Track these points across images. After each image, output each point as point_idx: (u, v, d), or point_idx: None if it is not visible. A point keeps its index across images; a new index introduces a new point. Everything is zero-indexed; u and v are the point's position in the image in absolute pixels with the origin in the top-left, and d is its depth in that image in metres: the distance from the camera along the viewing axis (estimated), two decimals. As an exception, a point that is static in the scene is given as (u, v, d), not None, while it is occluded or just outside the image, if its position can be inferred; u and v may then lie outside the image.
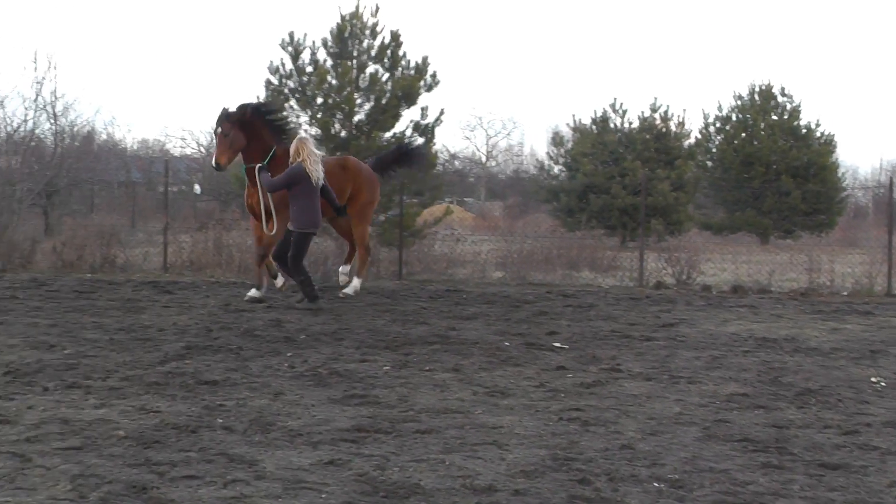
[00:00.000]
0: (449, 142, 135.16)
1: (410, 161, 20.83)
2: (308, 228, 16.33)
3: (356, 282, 18.23)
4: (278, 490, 6.24)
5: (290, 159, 16.36)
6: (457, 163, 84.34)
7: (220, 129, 16.74)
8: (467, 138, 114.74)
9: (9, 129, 29.69)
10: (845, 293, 20.34)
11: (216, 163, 16.86)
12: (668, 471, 6.90)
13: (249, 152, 16.89)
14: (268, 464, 6.82)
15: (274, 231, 16.89)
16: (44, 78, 29.05)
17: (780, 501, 6.28)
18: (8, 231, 24.80)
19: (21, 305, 15.47)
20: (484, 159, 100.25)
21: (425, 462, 6.99)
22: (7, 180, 26.41)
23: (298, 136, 16.98)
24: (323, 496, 6.16)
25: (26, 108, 28.62)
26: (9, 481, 6.28)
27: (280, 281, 17.46)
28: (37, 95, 29.92)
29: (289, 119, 17.72)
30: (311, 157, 16.21)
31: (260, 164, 16.77)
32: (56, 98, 32.54)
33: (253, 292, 17.15)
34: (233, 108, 16.85)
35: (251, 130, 16.83)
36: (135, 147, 71.01)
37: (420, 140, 19.52)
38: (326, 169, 16.75)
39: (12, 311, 14.67)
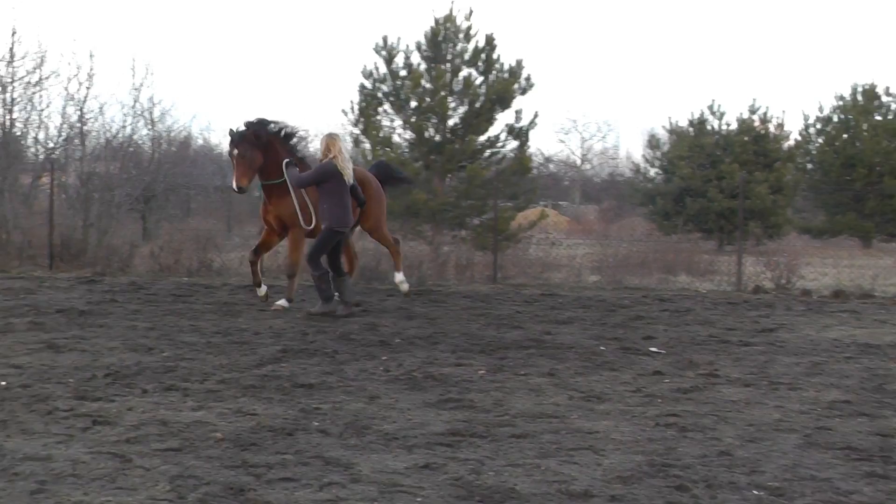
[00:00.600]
0: (543, 145, 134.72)
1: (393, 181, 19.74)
2: (338, 226, 15.90)
3: (399, 276, 18.22)
4: (374, 493, 6.27)
5: (321, 156, 16.21)
6: (551, 166, 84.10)
7: (236, 151, 16.31)
8: (562, 141, 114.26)
9: (108, 135, 30.07)
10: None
11: (238, 186, 16.38)
12: (767, 478, 6.83)
13: (266, 168, 16.58)
14: (363, 467, 6.85)
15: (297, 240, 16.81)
16: (141, 84, 29.37)
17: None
18: (107, 236, 25.14)
19: (120, 309, 15.65)
20: (579, 162, 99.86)
21: (521, 467, 6.98)
22: (106, 185, 26.74)
23: (328, 133, 16.63)
24: (418, 500, 6.18)
25: (124, 115, 28.93)
26: (110, 481, 6.37)
27: (263, 290, 17.27)
28: (135, 102, 30.21)
29: (295, 128, 17.36)
30: (341, 153, 16.00)
31: (287, 160, 16.50)
32: (153, 104, 32.92)
33: (258, 291, 17.23)
34: (242, 128, 16.62)
35: (266, 147, 16.57)
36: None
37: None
38: None
39: (112, 315, 14.86)
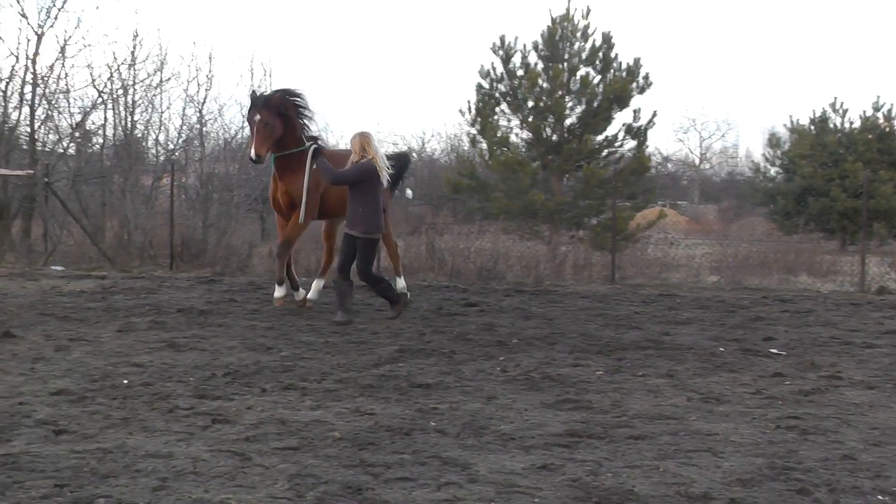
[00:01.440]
0: (662, 144, 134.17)
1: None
2: (374, 234, 15.24)
3: (400, 282, 17.24)
4: (491, 493, 6.27)
5: (354, 156, 15.15)
6: (670, 165, 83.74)
7: (258, 118, 15.59)
8: (680, 140, 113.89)
9: (227, 136, 30.45)
10: None
11: (256, 154, 15.65)
12: (892, 483, 6.72)
13: (284, 140, 15.94)
14: (480, 467, 6.86)
15: (301, 220, 16.09)
16: (260, 85, 29.70)
17: None
18: (226, 236, 25.46)
19: (239, 308, 15.85)
20: (697, 162, 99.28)
21: (639, 468, 6.95)
22: (225, 186, 27.09)
23: (360, 132, 15.45)
24: (536, 500, 6.17)
25: (243, 116, 29.30)
26: (229, 479, 6.44)
27: (301, 294, 16.89)
28: (254, 102, 30.48)
29: (310, 108, 16.58)
30: (377, 154, 15.22)
31: (315, 146, 15.83)
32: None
33: (276, 291, 16.31)
34: (266, 94, 16.30)
35: (287, 119, 16.00)
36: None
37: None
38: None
39: (231, 314, 15.05)
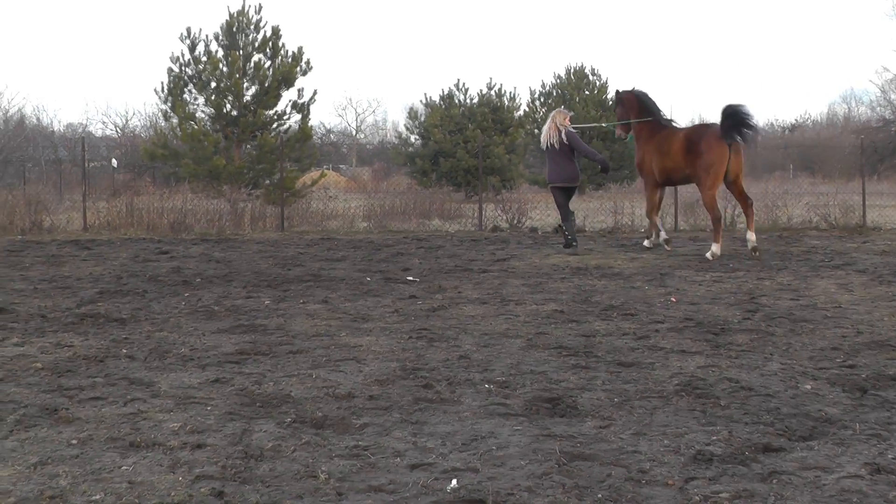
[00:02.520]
0: (325, 118, 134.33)
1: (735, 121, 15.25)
2: (553, 183, 16.42)
3: (714, 247, 15.29)
4: (171, 405, 6.05)
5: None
6: (332, 136, 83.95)
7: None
8: (340, 115, 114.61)
9: None
10: (642, 231, 20.54)
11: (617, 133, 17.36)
12: (497, 374, 6.85)
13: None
14: (163, 384, 6.62)
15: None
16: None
17: (585, 394, 6.26)
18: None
19: (-41, 264, 14.95)
20: (354, 132, 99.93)
21: (296, 377, 6.84)
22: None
23: (554, 111, 16.88)
24: (209, 408, 5.98)
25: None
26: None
27: (662, 236, 16.72)
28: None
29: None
30: (547, 127, 16.35)
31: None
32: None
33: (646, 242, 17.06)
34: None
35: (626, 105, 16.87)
36: (61, 129, 69.29)
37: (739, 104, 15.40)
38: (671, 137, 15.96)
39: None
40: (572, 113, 17.48)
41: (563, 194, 16.38)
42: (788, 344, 7.93)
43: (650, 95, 16.71)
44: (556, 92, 46.52)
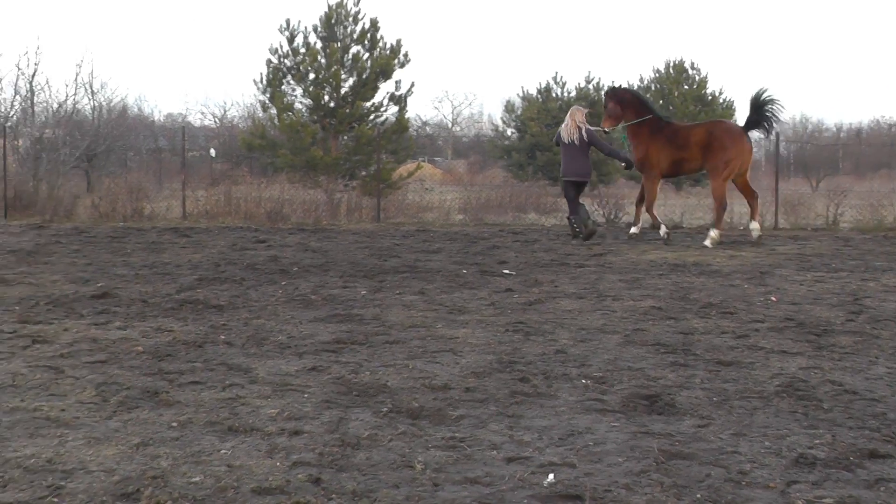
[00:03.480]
0: (421, 111, 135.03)
1: (761, 115, 17.37)
2: (566, 177, 17.28)
3: (712, 232, 16.95)
4: (268, 391, 6.12)
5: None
6: (428, 129, 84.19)
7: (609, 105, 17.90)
8: (436, 108, 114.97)
9: (55, 104, 29.43)
10: (742, 228, 20.27)
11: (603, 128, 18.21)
12: (594, 370, 6.81)
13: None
14: (260, 371, 6.70)
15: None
16: (82, 60, 28.79)
17: (683, 392, 6.20)
18: (55, 189, 24.63)
19: (63, 249, 15.26)
20: (450, 125, 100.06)
21: (392, 367, 6.87)
22: (53, 147, 26.21)
23: (572, 108, 17.91)
24: (305, 395, 6.04)
25: (67, 86, 28.43)
26: (44, 389, 6.14)
27: (663, 230, 17.55)
28: (76, 75, 29.66)
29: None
30: (567, 124, 17.24)
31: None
32: (93, 77, 32.38)
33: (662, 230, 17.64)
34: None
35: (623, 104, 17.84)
36: (161, 119, 70.49)
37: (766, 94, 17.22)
38: (689, 132, 17.41)
39: (56, 254, 14.46)
40: (588, 109, 18.08)
41: (575, 188, 17.34)
42: (895, 347, 7.77)
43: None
44: (655, 86, 46.16)
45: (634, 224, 18.34)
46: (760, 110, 17.25)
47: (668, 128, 17.66)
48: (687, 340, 7.96)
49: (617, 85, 18.45)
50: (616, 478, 4.54)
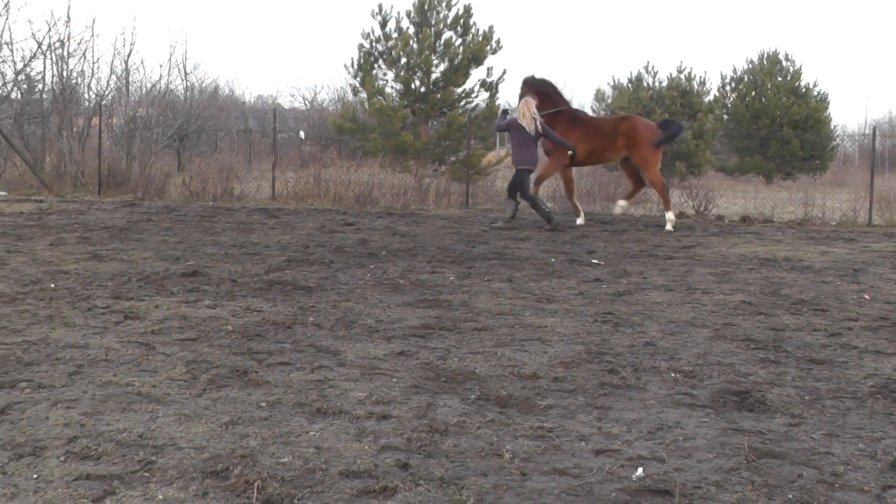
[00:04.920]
0: (511, 98, 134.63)
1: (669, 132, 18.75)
2: (523, 166, 17.46)
3: (669, 215, 18.40)
4: (357, 374, 6.15)
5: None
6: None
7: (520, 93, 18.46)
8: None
9: (148, 84, 29.86)
10: (834, 223, 19.94)
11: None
12: (683, 363, 6.75)
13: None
14: (349, 354, 6.73)
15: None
16: (176, 42, 29.24)
17: (774, 390, 6.11)
18: (146, 167, 24.99)
19: (154, 227, 15.49)
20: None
21: (481, 354, 6.88)
22: (146, 126, 26.58)
23: (526, 98, 17.95)
24: (394, 380, 6.06)
25: (161, 67, 28.89)
26: (136, 365, 6.25)
27: (580, 221, 18.55)
28: (170, 56, 30.03)
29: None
30: (524, 114, 17.34)
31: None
32: (186, 59, 32.78)
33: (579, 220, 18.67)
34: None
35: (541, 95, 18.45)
36: (252, 101, 71.17)
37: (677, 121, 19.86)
38: (601, 126, 18.74)
39: (147, 231, 14.69)
40: (536, 101, 18.23)
41: (529, 177, 17.84)
42: None
43: None
44: (748, 77, 45.51)
45: (576, 216, 18.97)
46: (671, 132, 18.63)
47: (584, 119, 19.14)
48: (778, 337, 7.84)
49: (532, 75, 18.99)
50: (706, 474, 4.49)
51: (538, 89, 18.57)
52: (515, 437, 4.98)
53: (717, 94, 45.87)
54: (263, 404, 5.45)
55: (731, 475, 4.49)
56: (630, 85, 44.28)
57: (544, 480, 4.36)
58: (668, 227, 17.93)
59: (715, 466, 4.61)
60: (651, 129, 18.44)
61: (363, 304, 8.87)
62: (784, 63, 45.53)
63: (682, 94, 42.26)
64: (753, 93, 44.25)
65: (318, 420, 5.18)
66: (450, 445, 4.80)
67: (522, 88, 18.72)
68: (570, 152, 17.97)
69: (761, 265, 12.69)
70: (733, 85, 46.07)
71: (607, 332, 7.88)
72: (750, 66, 45.97)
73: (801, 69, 45.56)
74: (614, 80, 45.51)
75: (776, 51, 45.75)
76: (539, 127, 17.44)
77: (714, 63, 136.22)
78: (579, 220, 18.60)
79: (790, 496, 4.26)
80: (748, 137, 42.79)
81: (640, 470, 4.51)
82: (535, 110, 17.63)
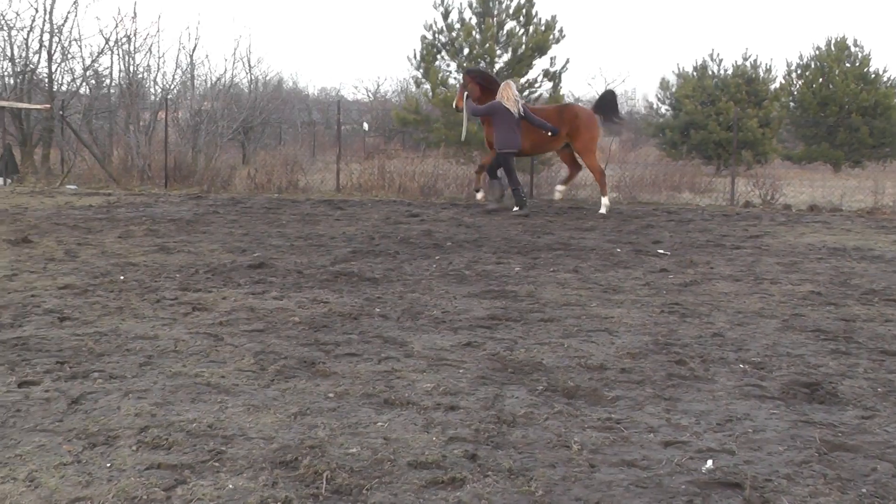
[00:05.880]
0: (574, 88, 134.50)
1: (604, 108, 19.64)
2: (508, 149, 17.55)
3: (605, 200, 18.72)
4: (423, 366, 6.16)
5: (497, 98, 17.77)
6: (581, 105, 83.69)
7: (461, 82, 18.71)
8: (589, 84, 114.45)
9: (213, 78, 30.11)
10: (907, 212, 19.66)
11: (456, 106, 19.41)
12: (751, 355, 6.69)
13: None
14: (416, 345, 6.75)
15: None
16: (240, 36, 29.46)
17: (846, 381, 6.04)
18: (212, 160, 25.21)
19: (220, 219, 15.60)
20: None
21: (547, 345, 6.86)
22: (211, 119, 26.81)
23: (506, 81, 18.46)
24: (461, 371, 6.07)
25: (225, 60, 29.12)
26: (204, 356, 6.31)
27: (480, 195, 18.95)
28: (234, 50, 30.27)
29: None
30: (508, 97, 17.50)
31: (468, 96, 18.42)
32: (250, 52, 33.04)
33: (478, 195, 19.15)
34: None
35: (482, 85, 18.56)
36: (315, 93, 71.52)
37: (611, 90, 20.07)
38: (546, 115, 18.43)
39: (213, 224, 14.81)
40: (478, 92, 18.62)
41: (512, 161, 17.96)
42: None
43: None
44: (815, 64, 44.95)
45: (477, 190, 19.33)
46: (606, 105, 19.53)
47: (531, 109, 19.03)
48: (849, 328, 7.75)
49: (474, 65, 19.55)
50: (777, 467, 4.45)
51: (480, 81, 18.69)
52: (583, 428, 4.97)
53: (784, 81, 45.36)
54: (331, 395, 5.48)
55: (803, 468, 4.45)
56: (695, 73, 43.89)
57: (613, 472, 4.35)
58: (603, 210, 18.35)
59: (786, 459, 4.56)
60: (590, 116, 18.90)
61: (429, 295, 8.89)
62: (852, 49, 44.91)
63: (747, 82, 41.79)
64: (821, 79, 43.72)
65: (385, 411, 5.20)
66: (518, 437, 4.80)
67: (464, 78, 18.88)
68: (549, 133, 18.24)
69: (830, 255, 12.53)
70: (799, 72, 45.54)
71: (674, 322, 7.83)
72: (817, 52, 45.38)
73: (870, 55, 44.91)
74: (679, 69, 45.04)
75: (844, 36, 45.09)
76: (521, 110, 17.73)
77: (780, 50, 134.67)
78: (479, 195, 19.13)
79: (864, 490, 4.21)
80: (815, 125, 42.29)
81: (709, 462, 4.48)
82: (517, 92, 18.04)
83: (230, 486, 4.10)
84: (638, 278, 10.18)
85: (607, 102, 19.59)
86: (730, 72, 42.95)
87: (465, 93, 18.52)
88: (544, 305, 8.44)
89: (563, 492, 4.12)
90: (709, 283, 9.98)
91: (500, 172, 18.19)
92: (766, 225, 16.61)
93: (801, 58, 46.28)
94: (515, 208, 17.73)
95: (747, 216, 18.35)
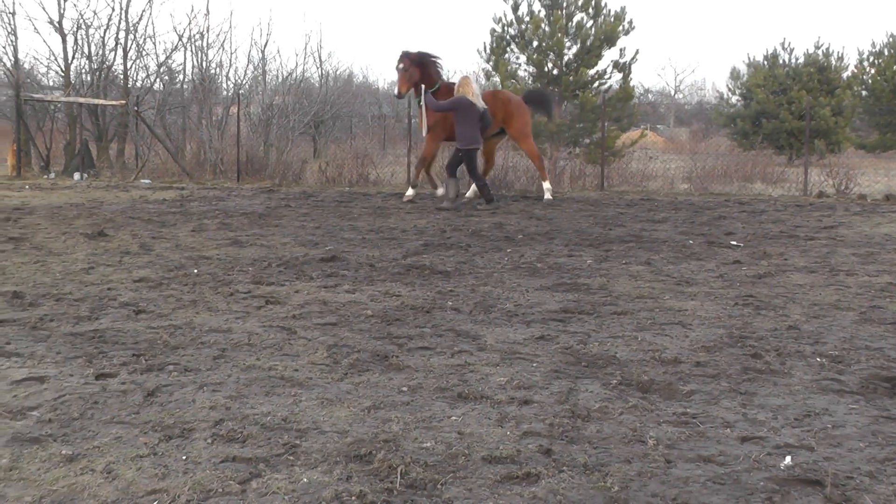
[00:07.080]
0: (644, 78, 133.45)
1: (539, 104, 19.99)
2: (473, 146, 17.17)
3: (546, 184, 18.99)
4: (497, 359, 6.13)
5: (455, 92, 17.44)
6: (650, 96, 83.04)
7: (401, 66, 18.08)
8: (659, 75, 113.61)
9: (284, 73, 30.32)
10: None
11: (398, 92, 18.60)
12: (828, 348, 6.56)
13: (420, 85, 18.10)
14: (488, 338, 6.71)
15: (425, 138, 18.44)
16: (311, 31, 29.64)
17: (929, 375, 5.90)
18: (283, 154, 25.37)
19: (292, 212, 15.69)
20: (673, 92, 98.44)
21: (621, 338, 6.79)
22: (283, 114, 26.98)
23: (463, 75, 17.85)
24: (534, 365, 6.02)
25: (296, 55, 29.35)
26: (278, 349, 6.32)
27: (440, 191, 18.70)
28: (305, 45, 30.39)
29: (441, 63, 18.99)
30: (471, 91, 17.19)
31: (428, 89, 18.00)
32: (321, 47, 33.24)
33: (409, 191, 18.68)
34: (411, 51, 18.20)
35: (424, 68, 18.18)
36: (385, 87, 71.67)
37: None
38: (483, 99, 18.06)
39: (285, 217, 14.90)
40: (418, 75, 18.32)
41: (476, 157, 17.68)
42: None
43: None
44: (889, 51, 44.17)
45: (413, 186, 18.99)
46: (539, 100, 19.83)
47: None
48: (929, 320, 7.58)
49: (412, 49, 18.62)
50: (858, 464, 4.35)
51: (419, 64, 18.28)
52: (658, 423, 4.90)
53: (856, 69, 44.65)
54: (405, 389, 5.46)
55: (886, 465, 4.34)
56: (765, 62, 43.41)
57: (689, 468, 4.28)
58: (547, 195, 18.63)
59: (867, 456, 4.46)
60: (519, 101, 18.92)
61: (501, 288, 8.85)
62: (926, 35, 44.14)
63: (819, 71, 41.26)
64: (894, 67, 42.96)
65: (459, 405, 5.16)
66: (592, 431, 4.74)
67: (403, 61, 18.34)
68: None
69: (908, 245, 12.31)
70: (872, 59, 44.80)
71: (749, 315, 7.72)
72: (890, 39, 44.60)
73: (944, 42, 44.10)
74: (749, 58, 44.62)
75: (918, 23, 44.37)
76: (480, 106, 17.47)
77: (852, 38, 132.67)
78: (439, 191, 18.90)
79: (949, 487, 4.10)
80: (889, 113, 41.57)
81: (788, 458, 4.39)
82: (477, 87, 17.84)
83: (304, 479, 4.09)
84: (711, 270, 10.05)
85: (542, 98, 19.94)
86: (801, 60, 42.47)
87: (423, 86, 18.14)
88: (617, 298, 8.37)
89: (639, 487, 4.06)
90: (783, 274, 9.83)
91: (461, 171, 18.00)
92: (840, 215, 16.36)
93: (873, 45, 45.74)
94: (482, 204, 17.37)
95: (821, 206, 18.10)
